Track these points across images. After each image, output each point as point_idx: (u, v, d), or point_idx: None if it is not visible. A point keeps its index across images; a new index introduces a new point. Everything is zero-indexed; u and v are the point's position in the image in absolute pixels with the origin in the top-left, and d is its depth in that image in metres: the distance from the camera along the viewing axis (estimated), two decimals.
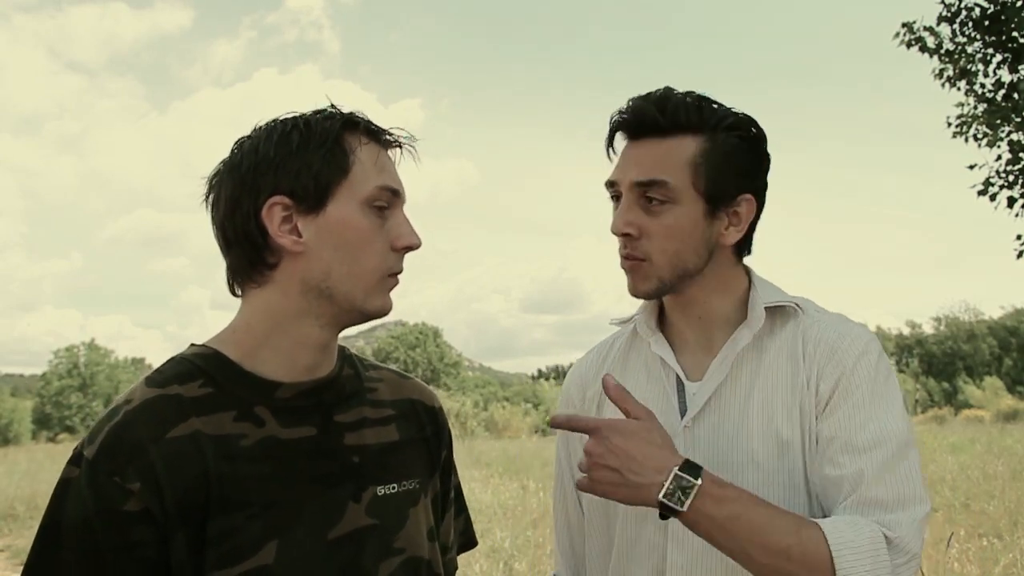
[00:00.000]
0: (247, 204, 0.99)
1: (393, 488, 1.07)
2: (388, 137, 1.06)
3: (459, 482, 1.28)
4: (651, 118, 1.16)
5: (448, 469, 1.23)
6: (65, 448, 27.05)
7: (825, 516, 1.10)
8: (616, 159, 1.22)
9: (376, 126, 1.05)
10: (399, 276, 1.05)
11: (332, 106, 1.05)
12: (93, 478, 0.91)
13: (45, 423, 51.42)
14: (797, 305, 1.20)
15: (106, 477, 0.90)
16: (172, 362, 1.02)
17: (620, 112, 1.20)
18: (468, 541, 1.28)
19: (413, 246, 1.04)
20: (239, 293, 1.04)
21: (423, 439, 1.16)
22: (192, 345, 1.05)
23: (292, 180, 0.98)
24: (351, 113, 1.04)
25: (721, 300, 1.22)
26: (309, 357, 1.04)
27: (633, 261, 1.18)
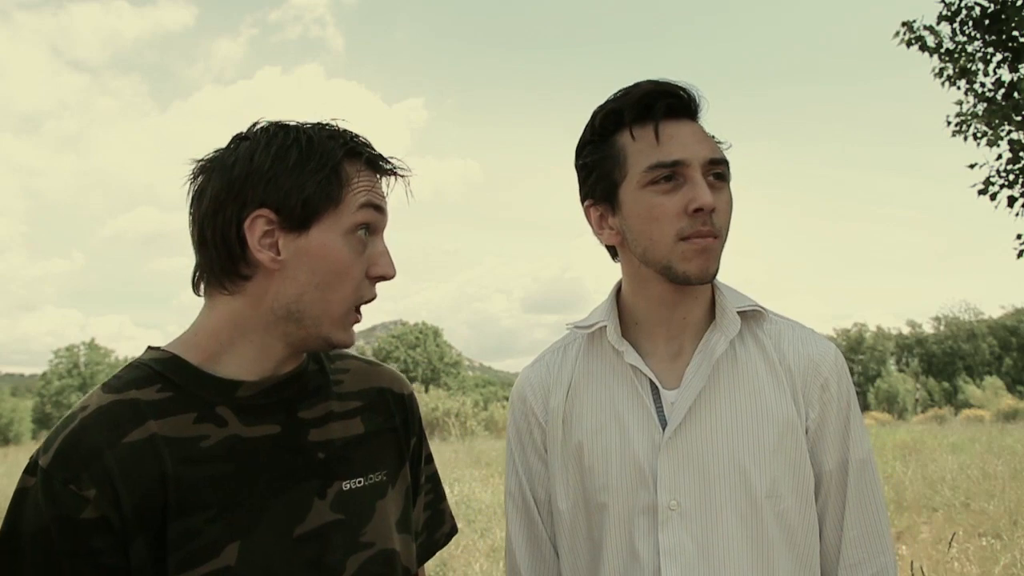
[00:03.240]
0: (231, 210, 0.97)
1: (359, 482, 1.06)
2: (385, 165, 1.06)
3: (436, 471, 1.26)
4: (689, 100, 1.18)
5: (418, 457, 1.20)
6: None
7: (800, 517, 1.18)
8: (656, 138, 1.14)
9: (378, 155, 1.05)
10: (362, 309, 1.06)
11: (333, 127, 1.04)
12: (49, 487, 0.89)
13: (45, 423, 51.34)
14: (762, 308, 1.22)
15: (61, 485, 0.89)
16: (130, 367, 1.01)
17: (665, 91, 1.16)
18: (453, 527, 1.27)
19: (387, 276, 1.04)
20: (201, 294, 1.03)
21: (391, 429, 1.15)
22: (149, 348, 1.03)
23: (282, 197, 0.97)
24: (355, 140, 1.03)
25: (698, 304, 1.21)
26: (270, 363, 1.04)
27: (711, 239, 1.14)
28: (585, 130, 1.23)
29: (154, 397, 0.96)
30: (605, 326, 1.22)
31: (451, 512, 1.29)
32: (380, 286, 1.06)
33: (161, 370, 0.99)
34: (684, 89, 1.17)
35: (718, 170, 1.15)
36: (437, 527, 1.23)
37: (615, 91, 1.21)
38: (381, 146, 1.08)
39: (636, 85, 1.18)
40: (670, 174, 1.13)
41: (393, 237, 1.08)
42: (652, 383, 1.19)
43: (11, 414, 48.32)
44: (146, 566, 0.91)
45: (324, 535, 1.00)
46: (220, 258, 0.99)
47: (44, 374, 55.85)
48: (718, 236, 1.14)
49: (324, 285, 0.99)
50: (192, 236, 1.02)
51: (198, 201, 1.01)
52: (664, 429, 1.16)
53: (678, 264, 1.14)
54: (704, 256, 1.13)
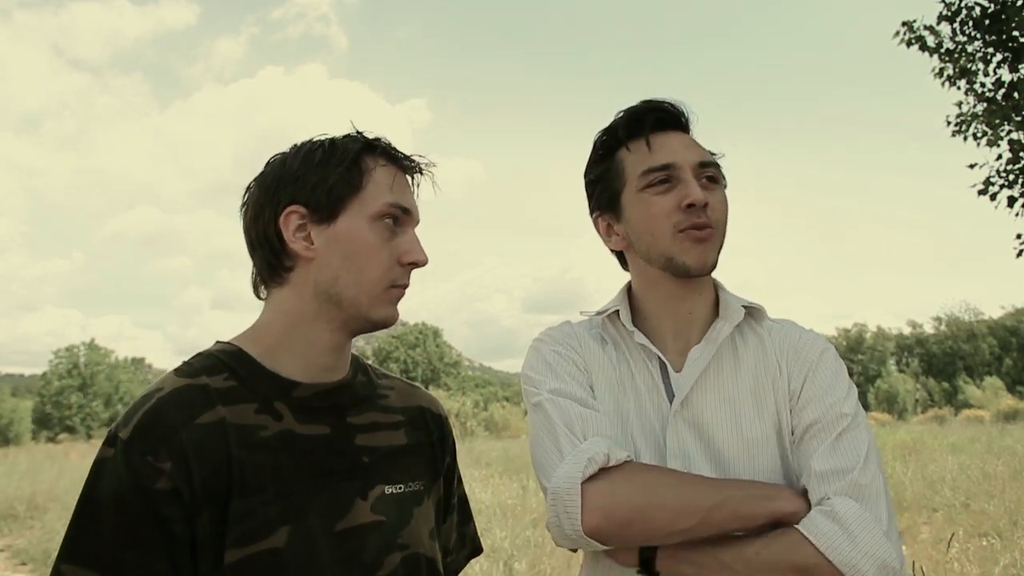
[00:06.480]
0: (268, 211, 1.09)
1: (400, 488, 1.14)
2: (407, 162, 1.14)
3: (464, 491, 1.33)
4: (682, 115, 1.30)
5: (451, 476, 1.29)
6: (65, 448, 27.07)
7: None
8: (648, 148, 1.25)
9: (396, 150, 1.13)
10: (405, 289, 1.12)
11: (358, 132, 1.13)
12: (128, 457, 0.96)
13: (45, 423, 51.40)
14: (761, 307, 1.31)
15: (140, 456, 0.96)
16: (200, 356, 1.10)
17: (653, 107, 1.28)
18: (476, 548, 1.34)
19: (419, 263, 1.11)
20: (263, 296, 1.13)
21: (429, 444, 1.23)
22: (218, 342, 1.13)
23: (309, 192, 1.07)
24: (375, 138, 1.12)
25: (703, 300, 1.29)
26: (323, 359, 1.11)
27: (708, 229, 1.22)
28: (590, 153, 1.35)
29: (222, 385, 1.05)
30: (619, 310, 1.30)
31: (477, 533, 1.35)
32: None
33: (227, 361, 1.08)
34: (672, 104, 1.29)
35: (709, 172, 1.25)
36: (462, 547, 1.31)
37: (615, 113, 1.32)
38: None
39: (631, 107, 1.31)
40: (664, 177, 1.24)
41: None
42: (661, 360, 1.26)
43: (11, 414, 48.32)
44: (208, 539, 0.97)
45: (363, 534, 1.07)
46: (266, 256, 1.10)
47: (44, 374, 55.80)
48: (714, 228, 1.23)
49: (355, 268, 1.07)
50: (246, 246, 1.13)
51: (244, 213, 1.12)
52: (671, 403, 1.23)
53: (679, 256, 1.23)
54: (701, 246, 1.22)
